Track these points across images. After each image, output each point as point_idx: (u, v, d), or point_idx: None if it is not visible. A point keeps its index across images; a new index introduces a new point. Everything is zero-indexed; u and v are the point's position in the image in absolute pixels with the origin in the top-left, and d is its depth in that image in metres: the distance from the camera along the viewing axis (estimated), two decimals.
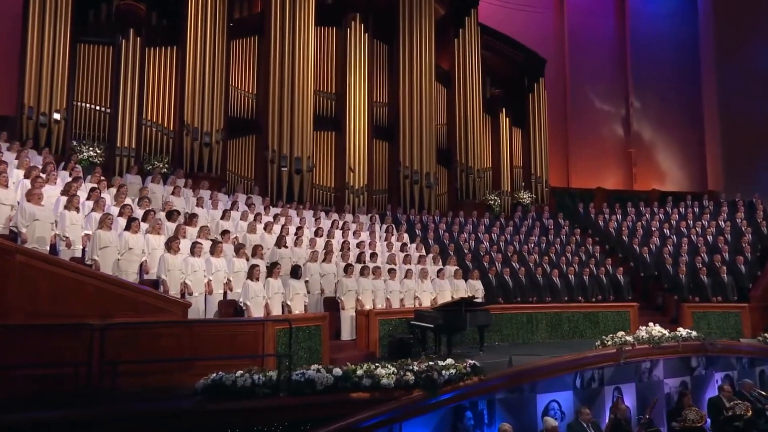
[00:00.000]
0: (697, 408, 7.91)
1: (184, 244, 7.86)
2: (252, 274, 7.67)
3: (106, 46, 13.69)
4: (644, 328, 8.40)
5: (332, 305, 9.68)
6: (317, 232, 11.71)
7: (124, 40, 13.65)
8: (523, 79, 20.47)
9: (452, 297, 10.43)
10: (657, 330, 8.30)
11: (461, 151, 18.06)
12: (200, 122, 14.19)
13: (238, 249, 8.44)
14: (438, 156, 17.84)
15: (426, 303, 10.48)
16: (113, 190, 9.39)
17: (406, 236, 13.59)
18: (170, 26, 14.73)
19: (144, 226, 7.96)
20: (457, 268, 11.58)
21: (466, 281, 11.44)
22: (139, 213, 8.76)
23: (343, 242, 11.45)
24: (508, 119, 19.75)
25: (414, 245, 12.81)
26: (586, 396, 7.44)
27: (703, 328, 11.70)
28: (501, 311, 11.07)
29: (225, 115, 14.78)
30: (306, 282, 9.85)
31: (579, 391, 7.40)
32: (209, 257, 7.99)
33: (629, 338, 7.91)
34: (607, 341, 7.89)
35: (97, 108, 13.49)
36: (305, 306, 8.62)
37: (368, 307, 9.62)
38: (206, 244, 8.24)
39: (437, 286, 10.83)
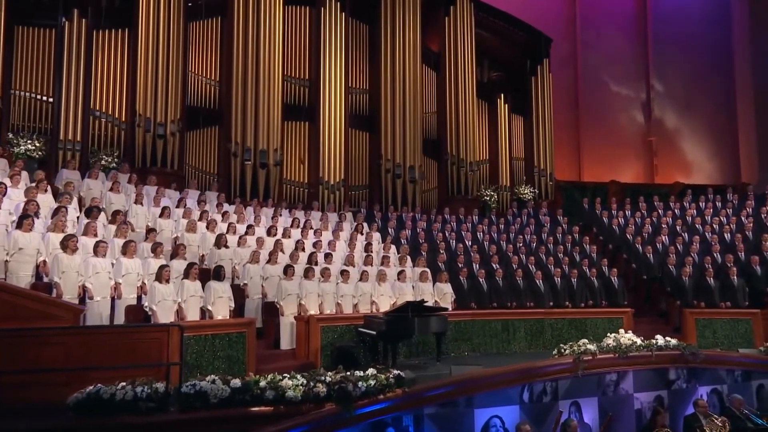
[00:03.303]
0: (671, 429, 7.59)
1: (90, 243, 7.77)
2: (160, 275, 7.55)
3: (47, 29, 13.71)
4: (613, 335, 8.13)
5: (273, 311, 9.56)
6: (270, 231, 11.60)
7: (67, 22, 13.68)
8: (524, 61, 20.17)
9: None
10: (627, 337, 8.02)
11: (452, 142, 17.83)
12: (153, 112, 14.15)
13: (155, 248, 8.34)
14: (426, 148, 17.66)
15: (385, 308, 10.28)
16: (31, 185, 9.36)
17: (378, 235, 13.42)
18: (120, 6, 14.72)
19: (41, 223, 7.90)
20: (424, 269, 11.36)
21: (434, 284, 11.23)
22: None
23: (297, 242, 11.31)
24: (507, 106, 19.48)
25: (382, 245, 12.62)
26: (535, 411, 7.18)
27: (708, 337, 11.37)
28: (472, 317, 10.82)
29: (182, 104, 14.75)
30: (245, 285, 9.80)
31: (527, 406, 7.14)
32: (120, 257, 7.91)
33: (591, 347, 7.64)
34: (565, 350, 7.63)
35: (38, 97, 13.50)
36: (230, 311, 8.47)
37: (312, 312, 9.46)
38: (118, 243, 8.16)
39: (397, 290, 10.63)
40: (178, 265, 8.55)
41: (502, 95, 19.45)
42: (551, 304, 11.92)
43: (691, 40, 23.12)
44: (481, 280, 11.71)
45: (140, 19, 14.35)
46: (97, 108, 14.13)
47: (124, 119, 14.37)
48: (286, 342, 9.31)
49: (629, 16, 23.44)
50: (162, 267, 7.64)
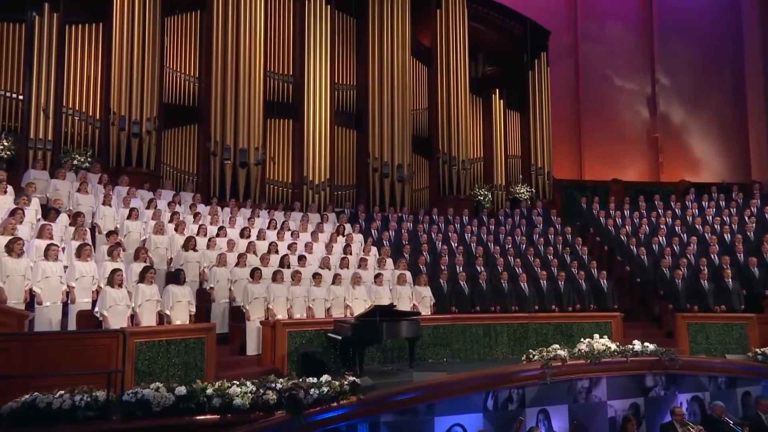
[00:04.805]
0: None
1: (43, 246, 7.84)
2: (112, 279, 7.60)
3: (15, 24, 13.76)
4: (587, 340, 8.15)
5: (240, 315, 9.61)
6: (243, 233, 11.65)
7: (37, 16, 13.70)
8: (521, 55, 20.12)
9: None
10: (601, 343, 8.05)
11: (444, 140, 17.80)
12: (128, 110, 14.21)
13: (112, 251, 8.40)
14: (417, 146, 17.71)
15: (359, 312, 10.30)
16: None
17: (360, 237, 13.45)
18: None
19: None
20: (402, 272, 11.38)
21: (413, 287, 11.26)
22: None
23: (270, 244, 11.35)
24: (502, 101, 19.47)
25: (362, 247, 12.65)
26: (499, 419, 7.19)
27: (700, 342, 11.33)
28: (451, 322, 10.83)
29: (159, 101, 14.77)
30: (211, 289, 9.86)
31: (491, 414, 7.15)
32: (74, 261, 7.97)
33: (561, 352, 7.65)
34: (533, 355, 7.64)
35: (7, 94, 13.54)
36: (191, 316, 8.52)
37: (281, 316, 9.51)
38: (74, 246, 8.23)
39: (373, 293, 10.66)
40: (139, 269, 8.58)
41: (497, 90, 19.46)
42: (536, 308, 11.89)
43: (699, 32, 23.01)
44: (462, 283, 11.71)
45: (115, 13, 14.34)
46: (69, 106, 14.18)
47: (98, 117, 14.43)
48: (252, 348, 9.36)
49: (633, 6, 23.35)
50: (114, 271, 7.68)
